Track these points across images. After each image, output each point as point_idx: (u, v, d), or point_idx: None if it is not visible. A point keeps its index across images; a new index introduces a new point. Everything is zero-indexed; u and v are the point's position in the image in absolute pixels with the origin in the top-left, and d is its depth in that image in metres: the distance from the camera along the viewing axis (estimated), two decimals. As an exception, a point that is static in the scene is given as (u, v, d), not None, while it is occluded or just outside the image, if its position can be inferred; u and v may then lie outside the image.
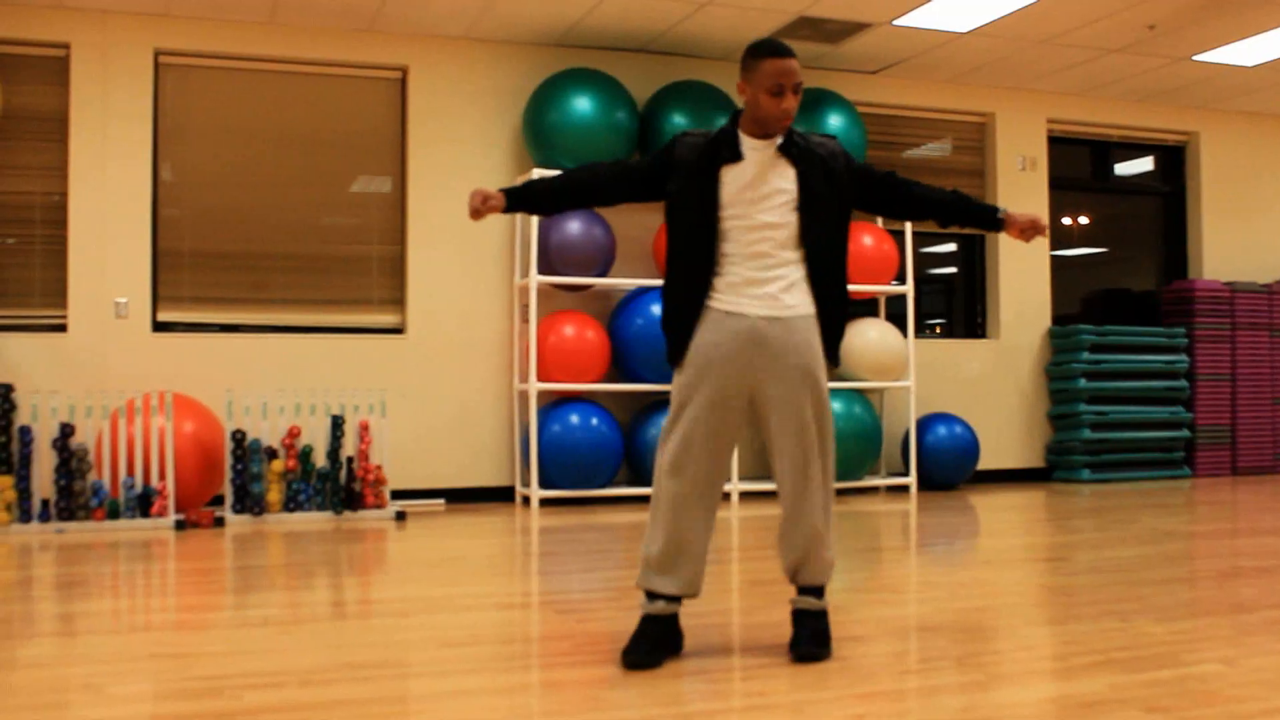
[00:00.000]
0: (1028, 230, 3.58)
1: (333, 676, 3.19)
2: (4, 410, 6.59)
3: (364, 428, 7.17)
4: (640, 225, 8.36)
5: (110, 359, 7.44)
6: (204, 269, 7.79)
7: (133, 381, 7.43)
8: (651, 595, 3.41)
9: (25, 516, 6.55)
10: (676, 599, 3.41)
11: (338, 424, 7.10)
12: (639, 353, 7.81)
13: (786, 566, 3.49)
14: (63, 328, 7.46)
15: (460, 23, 7.81)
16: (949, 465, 8.55)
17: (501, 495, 8.07)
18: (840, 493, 8.37)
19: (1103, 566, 5.07)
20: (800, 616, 3.46)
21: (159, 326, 7.65)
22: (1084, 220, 10.28)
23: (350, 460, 7.13)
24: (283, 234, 7.94)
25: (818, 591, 3.48)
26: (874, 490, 8.56)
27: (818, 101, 8.33)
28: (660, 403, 7.99)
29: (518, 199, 3.51)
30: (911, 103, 9.18)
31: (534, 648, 3.58)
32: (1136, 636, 3.60)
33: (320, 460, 7.32)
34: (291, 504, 7.01)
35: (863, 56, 8.55)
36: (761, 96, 3.30)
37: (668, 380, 7.82)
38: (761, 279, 3.36)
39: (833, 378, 8.68)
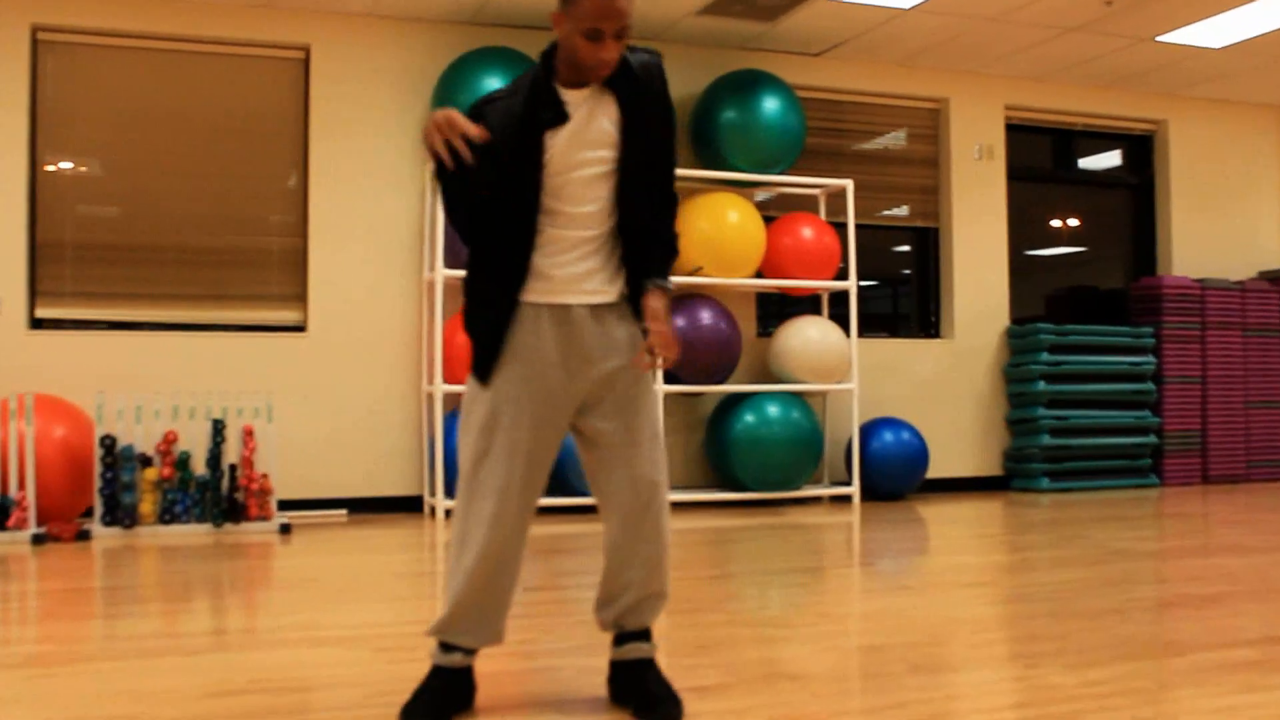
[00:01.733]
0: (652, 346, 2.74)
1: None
2: None
3: (248, 433, 6.59)
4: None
5: (-21, 358, 6.87)
6: (87, 262, 7.21)
7: (3, 383, 6.85)
8: (448, 646, 2.84)
9: None
10: (475, 650, 2.86)
11: (219, 429, 6.53)
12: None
13: (619, 608, 2.89)
14: (-72, 325, 6.90)
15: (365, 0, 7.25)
16: (895, 474, 7.99)
17: (410, 505, 7.50)
18: (776, 503, 7.81)
19: (1032, 593, 4.51)
20: (639, 668, 2.89)
21: (36, 323, 7.08)
22: (1048, 216, 9.73)
23: (233, 468, 6.55)
24: (176, 225, 7.37)
25: (648, 634, 2.92)
26: (814, 501, 7.99)
27: (752, 84, 7.76)
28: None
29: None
30: (858, 87, 8.62)
31: (313, 698, 3.01)
32: (1037, 690, 3.03)
33: (200, 468, 6.74)
34: (167, 515, 6.43)
35: (803, 36, 7.99)
36: (577, 39, 2.65)
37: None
38: (581, 259, 2.78)
39: (764, 378, 8.12)
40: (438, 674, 2.83)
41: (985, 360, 8.91)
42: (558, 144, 2.72)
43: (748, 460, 7.58)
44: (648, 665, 2.89)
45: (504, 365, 2.77)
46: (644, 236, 2.84)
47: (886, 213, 8.85)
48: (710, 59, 8.16)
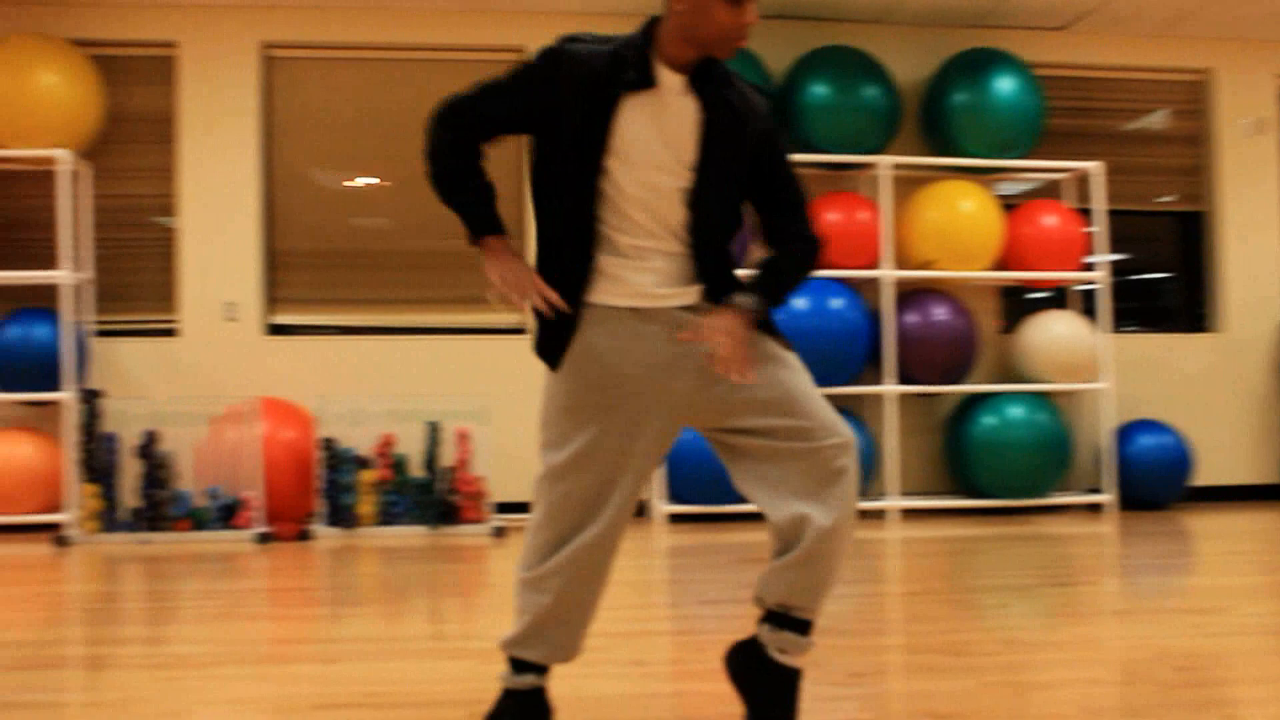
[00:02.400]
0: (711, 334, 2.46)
1: None
2: (89, 417, 6.33)
3: (463, 436, 6.59)
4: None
5: (220, 363, 7.14)
6: (316, 269, 7.42)
7: (241, 387, 7.11)
8: (520, 665, 2.61)
9: (111, 526, 6.27)
10: (546, 669, 2.62)
11: (435, 432, 6.56)
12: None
13: (791, 567, 2.51)
14: (173, 332, 7.23)
15: (576, -5, 7.18)
16: (1154, 481, 7.28)
17: (636, 511, 7.34)
18: (1021, 511, 7.25)
19: (1263, 625, 3.94)
20: (786, 680, 2.56)
21: (273, 329, 7.32)
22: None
23: (449, 471, 6.56)
24: (400, 231, 7.49)
25: (809, 628, 2.57)
26: (1063, 509, 7.39)
27: (985, 63, 7.26)
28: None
29: (490, 213, 2.60)
30: (1107, 61, 7.94)
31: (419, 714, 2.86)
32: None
33: (417, 471, 6.79)
34: (385, 517, 6.51)
35: (1042, 9, 7.42)
36: (717, 6, 2.36)
37: (816, 382, 6.92)
38: (656, 257, 2.51)
39: (1006, 377, 7.58)
40: (509, 696, 2.62)
41: (1260, 355, 8.04)
42: (632, 113, 2.44)
43: (989, 465, 7.08)
44: (794, 680, 2.55)
45: (573, 368, 2.51)
46: (725, 247, 2.57)
47: (1146, 197, 8.11)
48: (940, 39, 7.69)
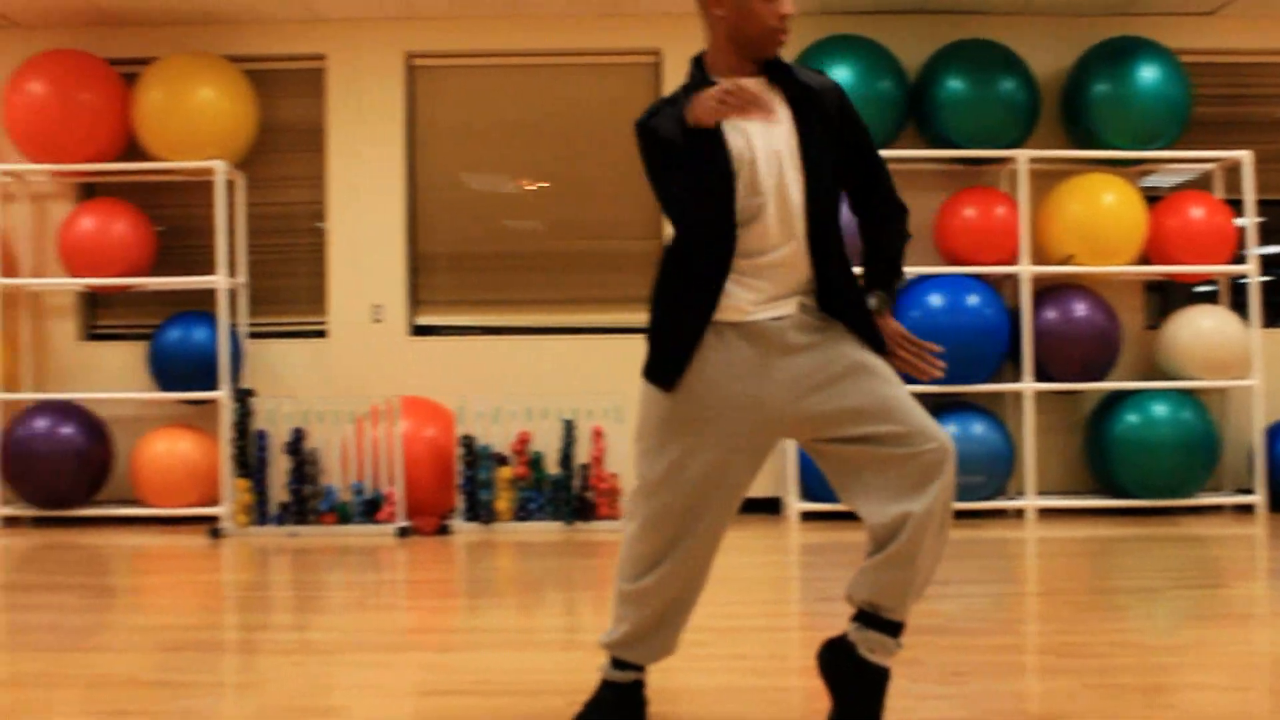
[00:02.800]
0: (891, 346, 2.71)
1: None
2: (242, 415, 6.65)
3: (598, 433, 6.72)
4: (920, 204, 7.38)
5: (366, 364, 7.42)
6: (459, 270, 7.64)
7: (386, 386, 7.37)
8: (620, 661, 2.71)
9: (262, 519, 6.58)
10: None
11: (570, 429, 6.70)
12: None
13: (882, 567, 2.57)
14: (322, 333, 7.53)
15: (709, -4, 7.22)
16: (1308, 481, 7.02)
17: (769, 507, 7.38)
18: (1166, 511, 7.06)
19: None
20: (875, 680, 2.60)
21: (417, 330, 7.57)
22: None
23: (584, 468, 6.70)
24: (537, 233, 7.66)
25: (899, 630, 2.61)
26: (1211, 510, 7.16)
27: (1127, 52, 7.08)
28: (946, 405, 7.02)
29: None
30: (1264, 45, 7.65)
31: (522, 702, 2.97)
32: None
33: (552, 468, 6.93)
34: (522, 513, 6.68)
35: (1190, -5, 7.21)
36: (754, 4, 2.51)
37: (952, 380, 6.87)
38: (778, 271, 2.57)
39: (1152, 374, 7.38)
40: (608, 688, 2.72)
41: None
42: (731, 134, 2.53)
43: (1131, 464, 6.90)
44: (882, 679, 2.59)
45: (689, 382, 2.58)
46: (839, 244, 2.62)
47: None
48: (1080, 29, 7.51)
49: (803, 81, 2.60)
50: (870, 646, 2.56)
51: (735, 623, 3.98)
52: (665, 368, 2.57)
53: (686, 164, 2.51)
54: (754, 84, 2.56)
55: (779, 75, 2.61)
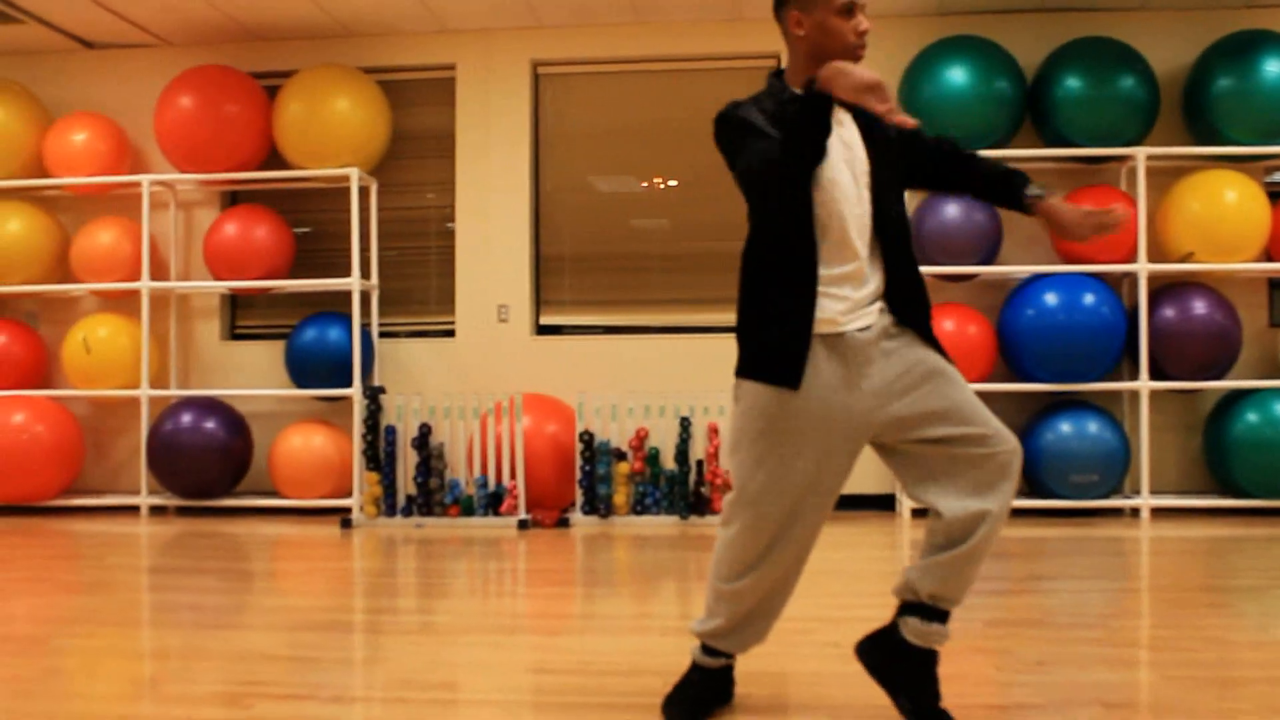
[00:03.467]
0: (1080, 228, 2.80)
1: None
2: (372, 411, 6.98)
3: (713, 430, 6.89)
4: (1036, 205, 7.41)
5: (491, 362, 7.71)
6: (581, 272, 7.88)
7: (509, 384, 7.64)
8: (711, 649, 2.88)
9: (390, 510, 6.90)
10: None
11: (686, 426, 6.88)
12: (1032, 347, 6.92)
13: (944, 563, 2.68)
14: (451, 333, 7.84)
15: (824, 0, 7.33)
16: None
17: (883, 504, 7.47)
18: (1288, 512, 6.97)
19: None
20: (928, 662, 2.74)
21: (541, 330, 7.83)
22: None
23: (699, 463, 6.88)
24: (658, 234, 7.86)
25: (948, 617, 2.74)
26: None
27: (1250, 45, 6.99)
28: (1061, 403, 7.03)
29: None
30: (1396, 38, 7.48)
31: (626, 682, 3.16)
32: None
33: (669, 463, 7.12)
34: (638, 506, 6.88)
35: (1318, -13, 7.09)
36: (832, 21, 2.63)
37: (1068, 378, 6.89)
38: (856, 281, 2.69)
39: (1277, 372, 7.27)
40: (698, 671, 2.89)
41: None
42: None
43: (1251, 464, 6.83)
44: (934, 661, 2.74)
45: (772, 393, 2.67)
46: (909, 252, 2.76)
47: None
48: (1202, 23, 7.43)
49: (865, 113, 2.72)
50: (929, 636, 2.68)
51: (838, 613, 4.12)
52: (786, 365, 2.63)
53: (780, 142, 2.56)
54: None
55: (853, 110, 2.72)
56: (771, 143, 2.55)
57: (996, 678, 3.16)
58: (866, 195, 2.68)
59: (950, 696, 2.88)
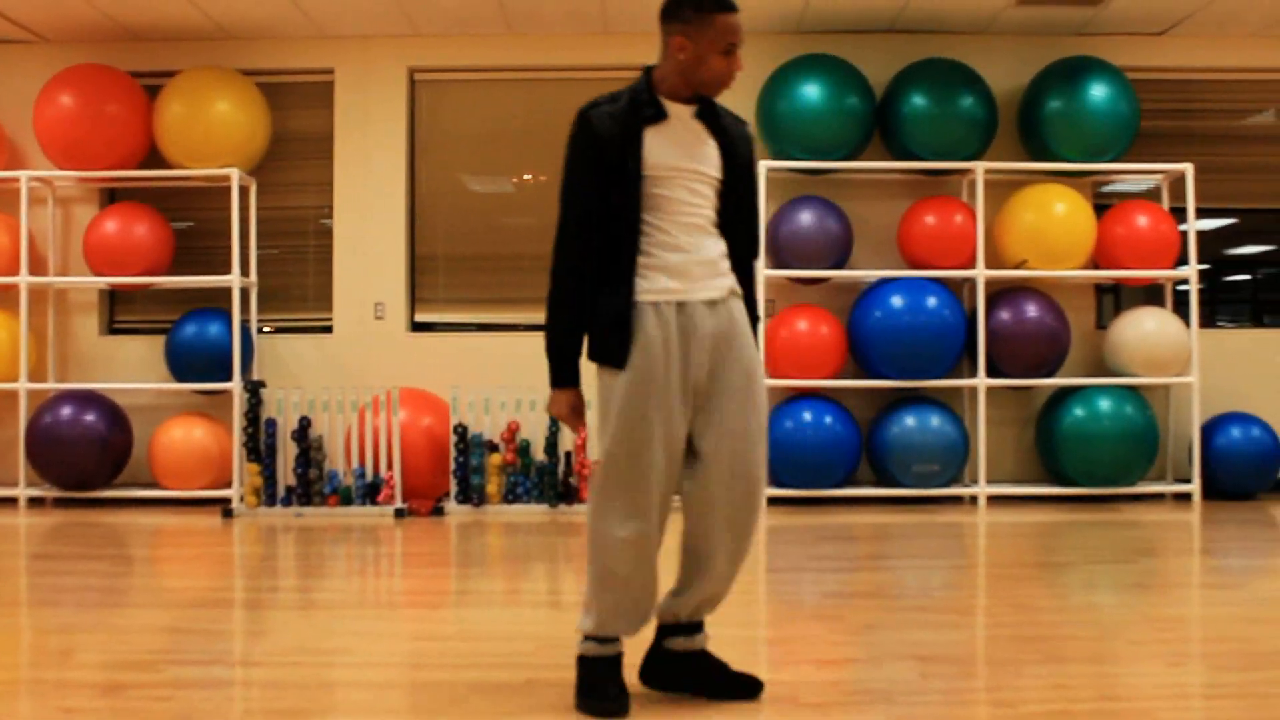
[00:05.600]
0: None
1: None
2: (253, 405, 7.20)
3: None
4: (885, 211, 7.97)
5: (367, 358, 7.97)
6: (455, 271, 8.18)
7: (386, 378, 7.92)
8: (600, 638, 3.03)
9: (271, 500, 7.14)
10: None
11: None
12: (879, 347, 7.43)
13: (697, 599, 3.05)
14: (329, 329, 8.08)
15: (690, 17, 7.76)
16: (1242, 472, 7.55)
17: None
18: (1106, 499, 7.60)
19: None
20: (705, 656, 3.10)
21: (416, 326, 8.12)
22: None
23: (568, 455, 7.25)
24: (526, 235, 8.20)
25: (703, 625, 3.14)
26: (1153, 498, 7.70)
27: (1078, 71, 7.61)
28: (905, 398, 7.57)
29: (573, 361, 3.05)
30: (1209, 63, 8.18)
31: (499, 646, 3.51)
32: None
33: (539, 455, 7.48)
34: (510, 496, 7.23)
35: (1140, 16, 7.72)
36: (712, 56, 2.99)
37: (912, 375, 7.43)
38: (695, 258, 3.00)
39: (1101, 371, 7.92)
40: (590, 662, 3.01)
41: (1363, 351, 8.20)
42: (655, 141, 2.99)
43: (1077, 455, 7.45)
44: (707, 653, 3.10)
45: (630, 359, 2.92)
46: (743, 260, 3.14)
47: (1258, 195, 8.33)
48: (1037, 48, 8.04)
49: (725, 125, 3.10)
50: (695, 643, 3.09)
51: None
52: (611, 348, 2.97)
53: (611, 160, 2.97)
54: (686, 111, 3.04)
55: (708, 111, 3.08)
56: (579, 217, 2.99)
57: (827, 639, 3.59)
58: (710, 198, 3.07)
59: (781, 655, 3.31)
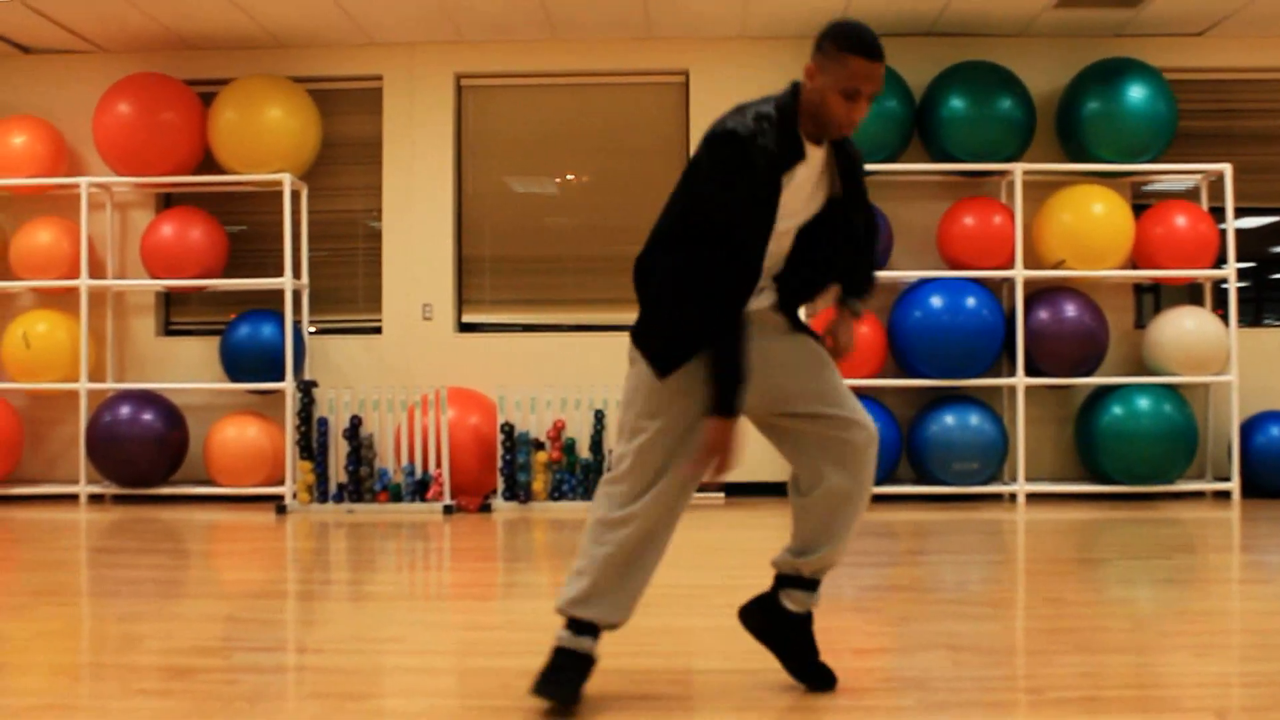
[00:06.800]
0: (832, 344, 3.19)
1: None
2: (305, 404, 7.40)
3: (625, 422, 7.40)
4: (924, 212, 8.06)
5: (416, 358, 8.15)
6: (501, 273, 8.35)
7: (434, 378, 8.10)
8: (579, 627, 2.99)
9: (323, 497, 7.33)
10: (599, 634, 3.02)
11: (600, 418, 7.39)
12: (919, 346, 7.53)
13: (817, 558, 3.08)
14: (377, 330, 8.27)
15: (730, 23, 7.89)
16: (1280, 470, 7.60)
17: (785, 491, 8.03)
18: (1145, 497, 7.66)
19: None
20: (805, 624, 3.15)
21: (463, 327, 8.29)
22: None
23: (612, 453, 7.38)
24: (575, 237, 8.36)
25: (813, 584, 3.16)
26: (1192, 496, 7.75)
27: (1116, 72, 7.66)
28: (945, 397, 7.67)
29: (735, 394, 2.93)
30: (1248, 63, 8.21)
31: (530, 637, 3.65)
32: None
33: (584, 452, 7.62)
34: (555, 493, 7.39)
35: (1178, 17, 7.77)
36: (831, 96, 2.85)
37: (951, 374, 7.51)
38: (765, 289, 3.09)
39: (1140, 370, 7.97)
40: (562, 654, 2.97)
41: (1405, 349, 8.20)
42: (790, 186, 2.92)
43: (1116, 453, 7.51)
44: (810, 622, 3.16)
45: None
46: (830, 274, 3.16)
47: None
48: (1076, 50, 8.11)
49: (849, 153, 3.07)
50: (806, 602, 3.11)
51: (734, 582, 4.66)
52: (674, 360, 2.97)
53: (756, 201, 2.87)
54: (818, 153, 2.97)
55: (839, 147, 3.04)
56: (718, 268, 2.88)
57: (863, 629, 3.71)
58: (792, 235, 3.06)
59: (820, 644, 3.42)
